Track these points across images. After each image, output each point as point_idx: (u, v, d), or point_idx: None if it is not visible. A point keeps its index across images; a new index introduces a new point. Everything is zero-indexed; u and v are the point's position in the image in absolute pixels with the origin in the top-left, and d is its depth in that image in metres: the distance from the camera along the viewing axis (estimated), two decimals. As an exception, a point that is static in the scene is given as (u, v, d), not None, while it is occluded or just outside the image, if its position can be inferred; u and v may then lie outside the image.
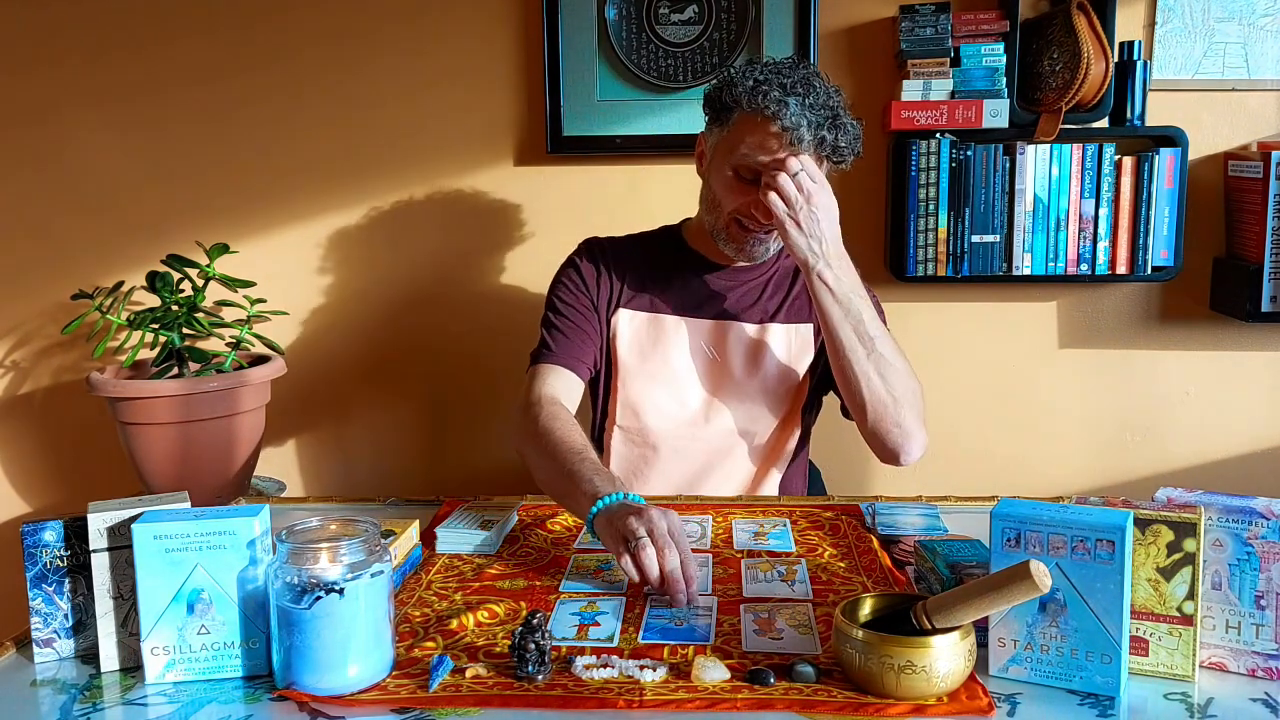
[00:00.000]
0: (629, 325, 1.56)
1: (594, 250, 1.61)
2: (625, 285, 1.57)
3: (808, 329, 1.57)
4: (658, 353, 1.54)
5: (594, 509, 1.16)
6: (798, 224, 1.38)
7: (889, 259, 1.98)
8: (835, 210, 1.41)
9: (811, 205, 1.37)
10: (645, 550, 1.06)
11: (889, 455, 1.46)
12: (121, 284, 1.78)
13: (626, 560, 1.07)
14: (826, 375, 1.53)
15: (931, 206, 1.91)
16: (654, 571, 1.06)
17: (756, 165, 1.41)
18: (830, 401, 1.61)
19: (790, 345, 1.56)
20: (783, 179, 1.36)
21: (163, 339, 1.71)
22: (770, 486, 1.57)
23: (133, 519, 0.96)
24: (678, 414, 1.54)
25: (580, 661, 0.93)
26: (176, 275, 1.76)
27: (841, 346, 1.41)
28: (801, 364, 1.56)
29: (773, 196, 1.37)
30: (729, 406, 1.54)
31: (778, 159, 1.39)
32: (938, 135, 1.90)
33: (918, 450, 1.45)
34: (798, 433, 1.58)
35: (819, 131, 1.38)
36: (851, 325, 1.41)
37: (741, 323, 1.56)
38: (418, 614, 1.07)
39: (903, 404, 1.42)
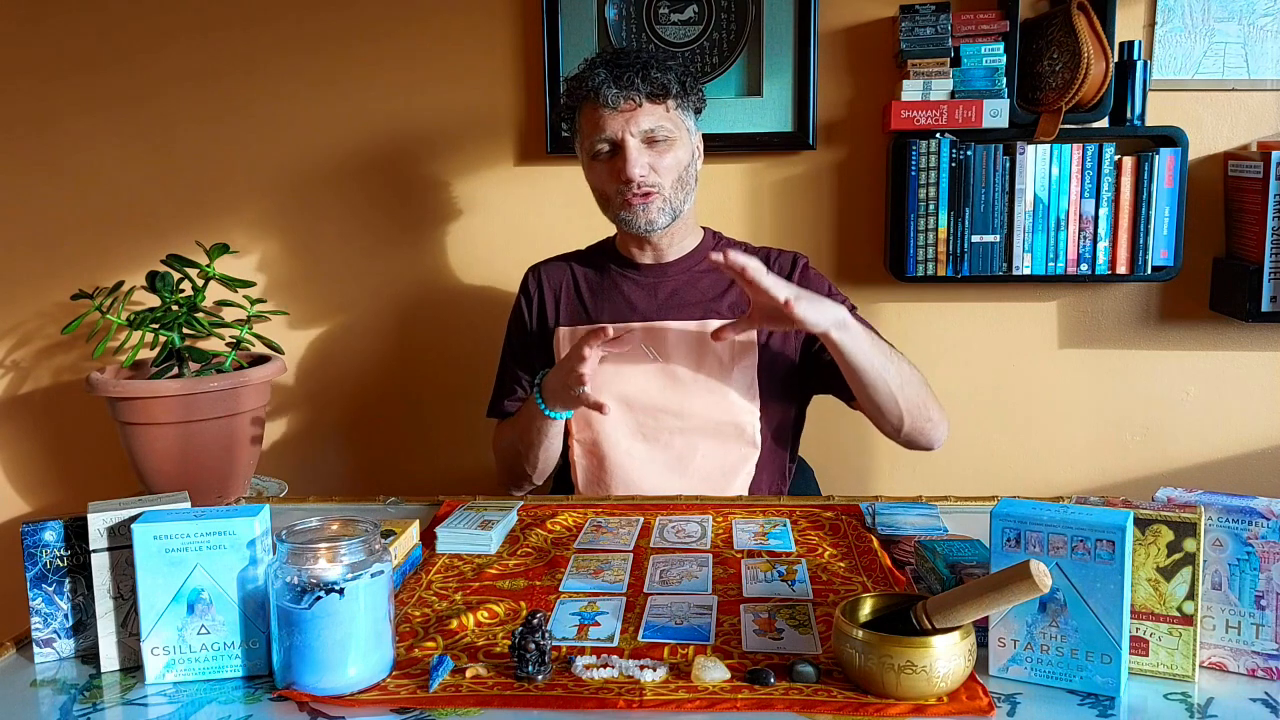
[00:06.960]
0: (569, 342, 1.59)
1: (534, 279, 1.68)
2: (563, 304, 1.64)
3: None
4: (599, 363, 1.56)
5: (535, 389, 1.49)
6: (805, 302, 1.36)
7: (889, 259, 1.98)
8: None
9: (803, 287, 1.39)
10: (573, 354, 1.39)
11: (925, 447, 1.55)
12: (121, 284, 1.78)
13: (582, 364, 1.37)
14: (812, 377, 1.59)
15: (931, 206, 1.91)
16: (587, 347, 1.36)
17: (601, 142, 1.51)
18: (827, 404, 1.61)
19: (732, 341, 1.54)
20: (778, 290, 1.33)
21: (163, 339, 1.71)
22: (739, 483, 1.56)
23: (133, 519, 0.96)
24: (627, 420, 1.55)
25: (580, 661, 0.93)
26: (176, 275, 1.76)
27: (867, 384, 1.44)
28: (746, 358, 1.55)
29: (790, 303, 1.33)
30: (679, 405, 1.54)
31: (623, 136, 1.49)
32: (938, 135, 1.90)
33: (946, 430, 1.55)
34: (758, 427, 1.56)
35: (633, 82, 1.47)
36: (875, 363, 1.43)
37: (679, 320, 1.57)
38: (418, 614, 1.07)
39: (927, 401, 1.50)
